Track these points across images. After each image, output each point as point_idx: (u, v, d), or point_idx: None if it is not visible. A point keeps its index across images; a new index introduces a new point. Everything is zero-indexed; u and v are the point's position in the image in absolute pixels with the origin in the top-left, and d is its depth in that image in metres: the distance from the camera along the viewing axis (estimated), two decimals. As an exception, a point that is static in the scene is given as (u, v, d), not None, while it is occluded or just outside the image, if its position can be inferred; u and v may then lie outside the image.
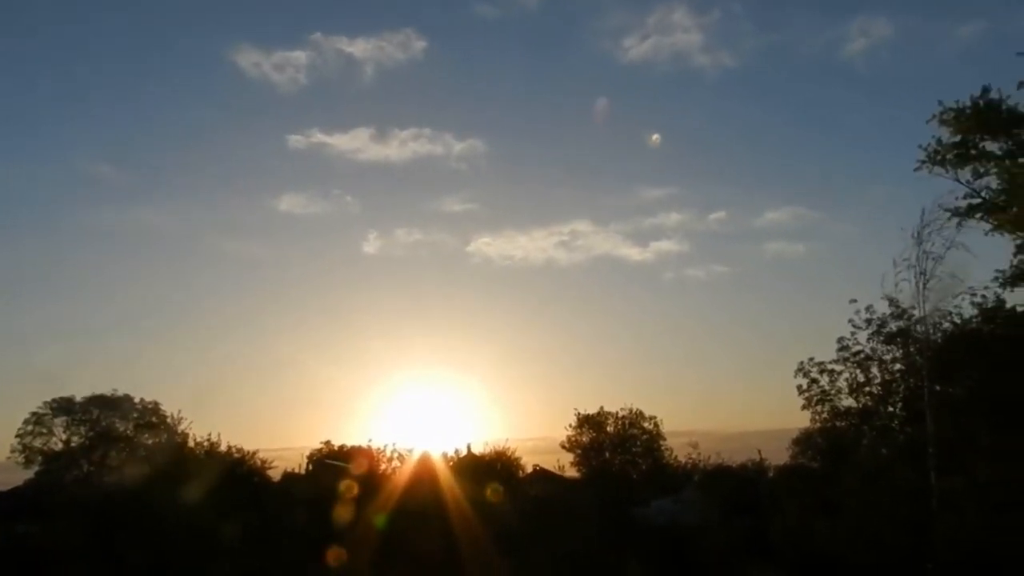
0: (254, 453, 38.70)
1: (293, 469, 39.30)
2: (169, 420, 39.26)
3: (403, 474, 33.87)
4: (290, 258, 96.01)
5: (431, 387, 57.35)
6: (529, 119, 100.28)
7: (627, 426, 49.10)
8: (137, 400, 40.63)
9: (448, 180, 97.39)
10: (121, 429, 40.36)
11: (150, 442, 39.55)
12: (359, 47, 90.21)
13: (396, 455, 37.58)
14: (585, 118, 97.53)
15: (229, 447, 37.22)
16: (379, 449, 38.50)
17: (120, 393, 40.50)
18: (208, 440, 36.90)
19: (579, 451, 49.07)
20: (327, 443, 43.15)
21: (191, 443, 37.25)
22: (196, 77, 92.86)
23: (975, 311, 23.44)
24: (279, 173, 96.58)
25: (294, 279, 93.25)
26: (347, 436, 43.73)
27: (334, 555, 24.69)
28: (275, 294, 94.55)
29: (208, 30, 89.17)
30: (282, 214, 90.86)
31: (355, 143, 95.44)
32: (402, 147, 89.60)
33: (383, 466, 37.16)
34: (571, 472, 47.69)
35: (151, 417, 40.42)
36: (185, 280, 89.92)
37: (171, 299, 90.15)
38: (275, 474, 39.16)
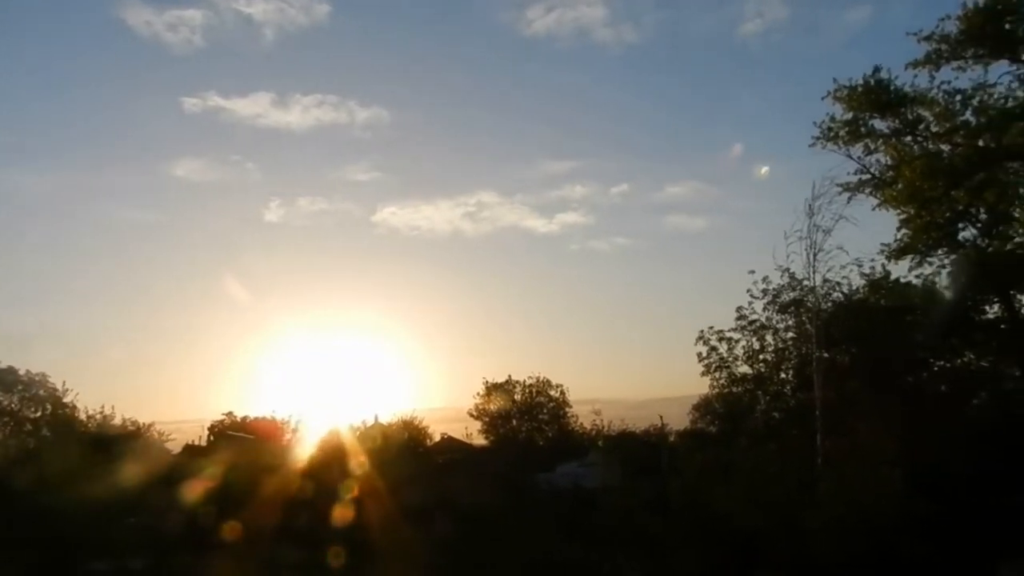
0: (150, 425, 37.61)
1: (193, 441, 38.32)
2: (57, 393, 37.42)
3: (307, 445, 33.43)
4: (186, 225, 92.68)
5: (338, 358, 56.68)
6: (434, 89, 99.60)
7: (534, 394, 49.93)
8: (23, 372, 38.59)
9: (353, 148, 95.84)
10: (5, 403, 38.28)
11: (36, 415, 37.66)
12: (258, 8, 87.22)
13: (300, 426, 37.13)
14: (490, 89, 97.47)
15: (124, 420, 36.06)
16: (283, 420, 37.96)
17: (3, 365, 38.34)
18: (100, 413, 35.59)
19: (487, 419, 49.68)
20: (229, 414, 42.38)
21: (82, 416, 35.78)
22: (82, 34, 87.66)
23: (864, 282, 24.82)
24: (173, 137, 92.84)
25: (191, 247, 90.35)
26: (250, 408, 43.02)
27: (232, 529, 24.17)
28: (171, 263, 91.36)
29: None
30: (177, 179, 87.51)
31: (255, 108, 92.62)
32: (305, 113, 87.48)
33: (287, 437, 36.64)
34: (479, 440, 48.26)
35: (38, 390, 38.45)
36: (73, 248, 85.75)
37: (59, 268, 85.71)
38: (175, 446, 38.17)
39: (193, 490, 27.22)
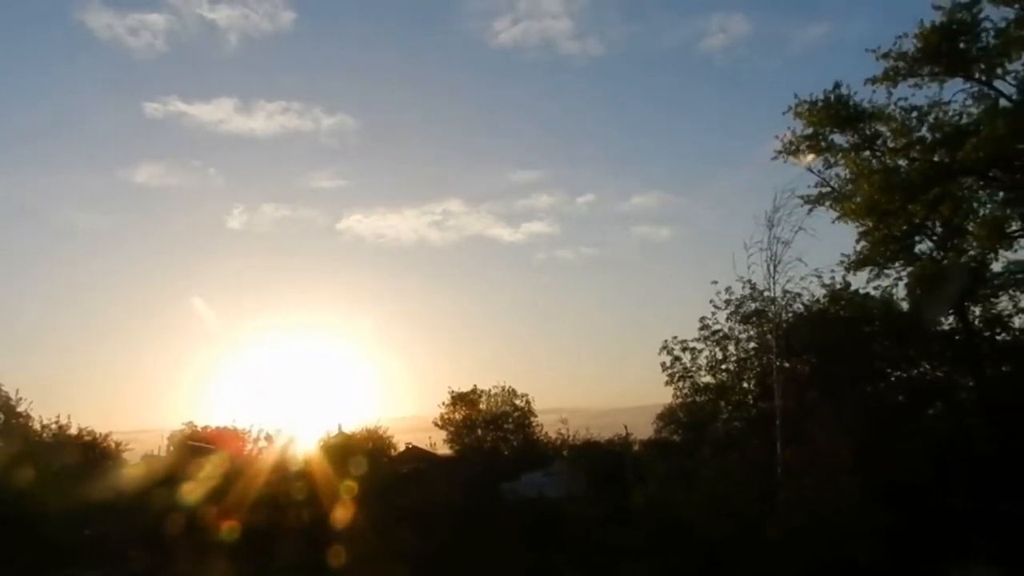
0: (107, 435, 36.86)
1: (153, 451, 37.64)
2: (11, 402, 36.46)
3: (270, 455, 33.01)
4: (146, 231, 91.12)
5: (301, 368, 56.02)
6: (400, 97, 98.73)
7: (499, 403, 49.83)
8: (-26, 380, 37.53)
9: (318, 155, 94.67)
10: (-45, 412, 37.20)
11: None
12: (222, 14, 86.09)
13: (263, 436, 36.63)
14: (457, 98, 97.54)
15: (80, 429, 35.28)
16: (245, 430, 37.43)
17: (-47, 373, 37.25)
18: (55, 422, 34.76)
19: (452, 429, 49.46)
20: (190, 424, 41.56)
21: (36, 426, 34.90)
22: (40, 37, 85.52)
23: (824, 292, 25.25)
24: (134, 142, 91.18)
25: (151, 253, 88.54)
26: (212, 417, 42.30)
27: (194, 539, 23.80)
28: (129, 269, 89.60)
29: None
30: (137, 185, 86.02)
31: (218, 114, 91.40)
32: (269, 120, 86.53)
33: (249, 447, 36.11)
34: (444, 450, 48.03)
35: (-9, 399, 37.43)
36: (29, 253, 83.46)
37: (15, 274, 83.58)
38: (133, 456, 37.46)
39: (151, 501, 26.74)
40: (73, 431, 34.96)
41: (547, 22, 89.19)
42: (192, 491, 26.90)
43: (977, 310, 24.47)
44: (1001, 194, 22.67)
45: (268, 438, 36.00)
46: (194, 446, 35.82)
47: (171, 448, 38.24)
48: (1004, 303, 23.98)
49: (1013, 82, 21.04)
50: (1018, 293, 23.70)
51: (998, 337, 24.24)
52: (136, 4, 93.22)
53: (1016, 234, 22.72)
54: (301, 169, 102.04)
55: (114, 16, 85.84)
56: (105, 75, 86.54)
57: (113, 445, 36.79)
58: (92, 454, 34.21)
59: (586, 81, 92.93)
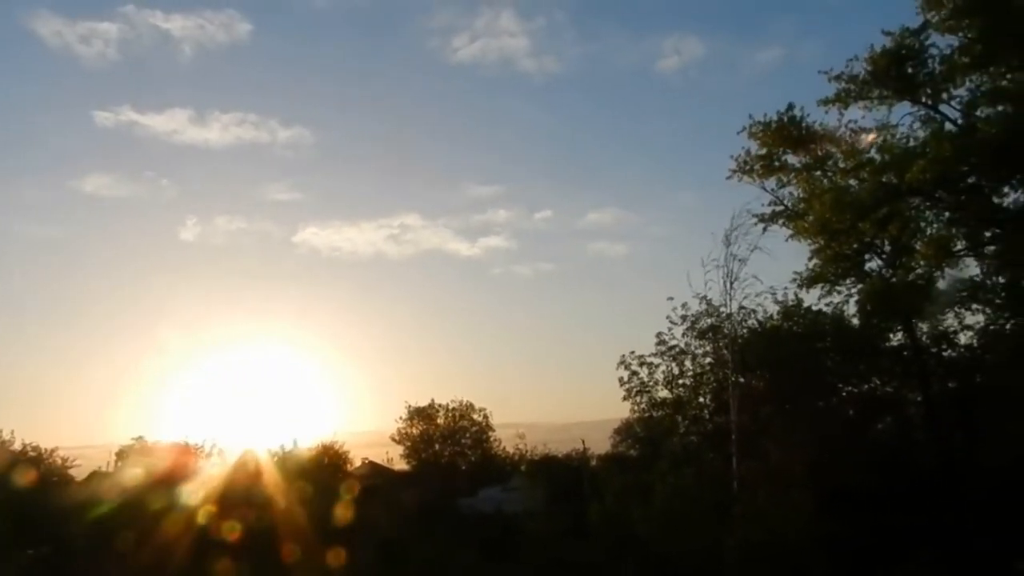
0: (53, 451, 35.89)
1: (101, 467, 36.73)
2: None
3: (223, 470, 32.43)
4: (94, 242, 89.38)
5: (257, 382, 55.26)
6: (358, 111, 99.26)
7: (457, 418, 49.71)
8: (-86, 395, 36.34)
9: (274, 168, 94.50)
10: None
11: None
12: (176, 24, 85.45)
13: (216, 451, 36.04)
14: (415, 112, 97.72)
15: (24, 445, 34.29)
16: (197, 446, 36.79)
17: None
18: (-2, 438, 33.79)
19: (409, 444, 49.20)
20: (139, 439, 40.73)
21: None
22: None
23: (777, 309, 25.69)
24: (83, 151, 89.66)
25: (99, 265, 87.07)
26: (163, 432, 41.55)
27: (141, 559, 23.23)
28: (78, 281, 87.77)
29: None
30: (86, 195, 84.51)
31: (171, 124, 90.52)
32: (224, 131, 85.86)
33: (201, 462, 35.47)
34: (401, 465, 47.74)
35: (-69, 413, 36.23)
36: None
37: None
38: (80, 473, 36.52)
39: (98, 520, 26.04)
40: (17, 446, 33.97)
41: (505, 40, 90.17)
42: (137, 509, 26.30)
43: (924, 327, 25.10)
44: (947, 214, 23.32)
45: (221, 453, 35.44)
46: (143, 462, 35.08)
47: (119, 464, 37.41)
48: (950, 320, 24.65)
49: (958, 107, 21.74)
50: (963, 310, 24.37)
51: (944, 353, 24.87)
52: (87, 12, 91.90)
53: (961, 253, 23.39)
54: (256, 181, 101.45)
55: (64, 23, 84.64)
56: (54, 83, 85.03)
57: (59, 461, 35.81)
58: (38, 470, 33.21)
59: (543, 98, 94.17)
